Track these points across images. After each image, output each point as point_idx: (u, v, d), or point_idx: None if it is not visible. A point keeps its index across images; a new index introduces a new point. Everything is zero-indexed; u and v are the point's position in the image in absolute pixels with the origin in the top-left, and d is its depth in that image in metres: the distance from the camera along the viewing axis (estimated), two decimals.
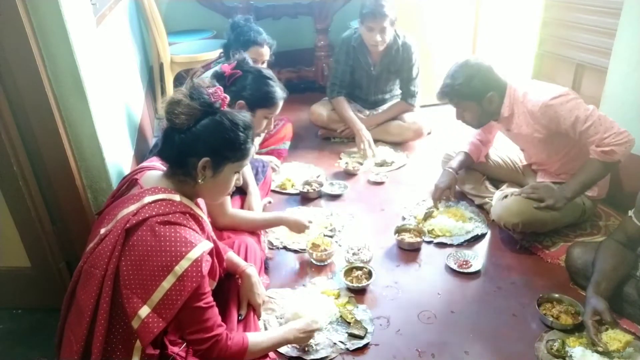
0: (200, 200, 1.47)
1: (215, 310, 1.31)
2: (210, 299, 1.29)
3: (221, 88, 1.32)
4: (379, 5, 2.74)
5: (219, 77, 1.93)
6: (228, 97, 1.33)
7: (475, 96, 2.04)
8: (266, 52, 2.49)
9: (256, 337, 1.42)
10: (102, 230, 1.26)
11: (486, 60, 2.10)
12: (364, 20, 2.80)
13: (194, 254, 1.20)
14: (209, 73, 2.54)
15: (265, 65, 2.55)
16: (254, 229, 2.00)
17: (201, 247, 1.22)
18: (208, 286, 1.29)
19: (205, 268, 1.22)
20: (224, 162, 1.32)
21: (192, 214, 1.31)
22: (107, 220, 1.29)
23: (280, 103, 2.00)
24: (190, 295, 1.20)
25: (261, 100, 1.93)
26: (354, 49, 2.99)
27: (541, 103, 1.92)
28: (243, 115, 1.35)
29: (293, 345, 1.61)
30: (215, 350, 1.29)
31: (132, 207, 1.25)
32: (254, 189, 2.20)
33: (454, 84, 2.05)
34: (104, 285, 1.19)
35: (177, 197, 1.29)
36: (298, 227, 2.06)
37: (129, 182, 1.40)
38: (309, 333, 1.57)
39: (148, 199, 1.26)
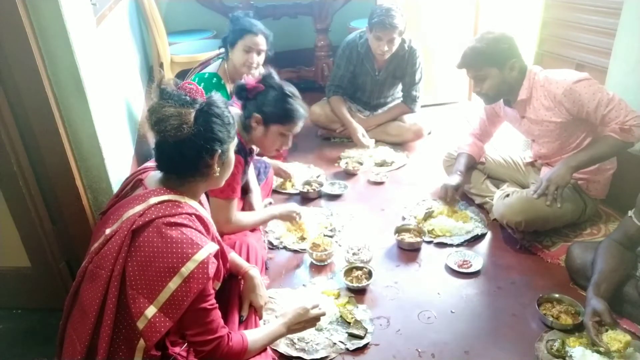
0: (204, 201, 1.48)
1: (219, 312, 1.32)
2: (214, 300, 1.29)
3: (190, 81, 1.31)
4: (390, 16, 2.71)
5: (240, 89, 1.91)
6: (200, 87, 1.31)
7: (499, 61, 2.00)
8: (261, 41, 2.48)
9: (254, 335, 1.43)
10: (108, 231, 1.26)
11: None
12: (373, 28, 2.78)
13: (200, 256, 1.21)
14: (210, 68, 2.55)
15: (262, 56, 2.54)
16: (250, 228, 2.02)
17: (207, 249, 1.23)
18: (212, 288, 1.29)
19: (211, 270, 1.23)
20: (228, 145, 1.34)
21: (198, 215, 1.31)
22: (111, 220, 1.29)
23: (300, 123, 1.93)
24: (196, 297, 1.20)
25: (278, 117, 1.88)
26: (358, 54, 2.98)
27: (566, 86, 1.91)
28: (218, 96, 1.34)
29: (292, 343, 1.61)
30: (217, 351, 1.29)
31: (138, 208, 1.25)
32: (255, 187, 2.20)
33: (478, 46, 2.01)
34: (110, 286, 1.20)
35: (182, 198, 1.30)
36: (290, 217, 2.12)
37: (134, 183, 1.40)
38: (306, 323, 1.56)
39: (154, 200, 1.26)
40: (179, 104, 1.23)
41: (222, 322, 1.32)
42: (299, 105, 1.91)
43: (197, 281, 1.20)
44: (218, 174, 1.34)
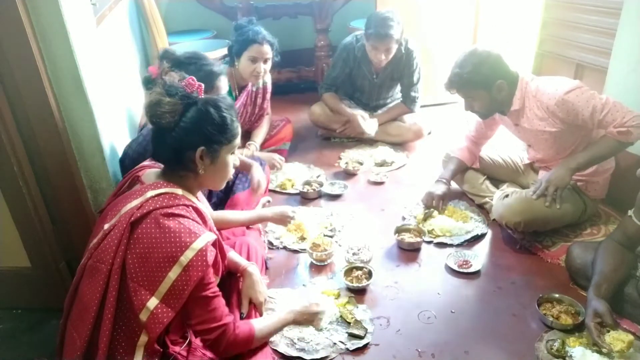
0: (201, 197, 1.48)
1: (222, 300, 1.33)
2: (216, 288, 1.31)
3: (193, 78, 1.33)
4: (386, 26, 2.69)
5: (148, 81, 1.92)
6: (203, 85, 1.34)
7: (485, 84, 2.01)
8: (267, 50, 2.48)
9: (261, 324, 1.46)
10: (106, 226, 1.28)
11: (494, 48, 2.07)
12: (369, 39, 2.78)
13: (198, 244, 1.22)
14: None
15: (269, 64, 2.55)
16: (238, 227, 2.00)
17: (205, 237, 1.25)
18: (213, 276, 1.30)
19: (210, 257, 1.24)
20: (219, 146, 1.34)
21: (195, 207, 1.33)
22: (110, 216, 1.31)
23: (222, 78, 1.97)
24: (196, 285, 1.22)
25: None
26: (355, 58, 2.97)
27: (558, 97, 1.91)
28: (222, 97, 1.37)
29: (292, 343, 1.61)
30: (223, 340, 1.31)
31: (136, 202, 1.27)
32: (253, 162, 2.22)
33: (462, 73, 2.01)
34: (110, 280, 1.21)
35: (179, 191, 1.32)
36: (282, 220, 2.06)
37: (131, 180, 1.42)
38: (311, 316, 1.62)
39: (151, 193, 1.28)
40: (172, 95, 1.27)
41: (226, 310, 1.34)
42: (213, 65, 1.94)
43: (196, 269, 1.21)
44: (204, 172, 1.34)
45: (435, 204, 2.30)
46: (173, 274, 1.20)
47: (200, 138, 1.30)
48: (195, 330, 1.31)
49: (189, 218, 1.28)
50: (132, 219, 1.23)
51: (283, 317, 1.55)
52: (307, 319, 1.62)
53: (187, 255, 1.21)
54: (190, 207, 1.31)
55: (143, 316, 1.19)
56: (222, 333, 1.30)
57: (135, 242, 1.22)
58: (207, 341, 1.31)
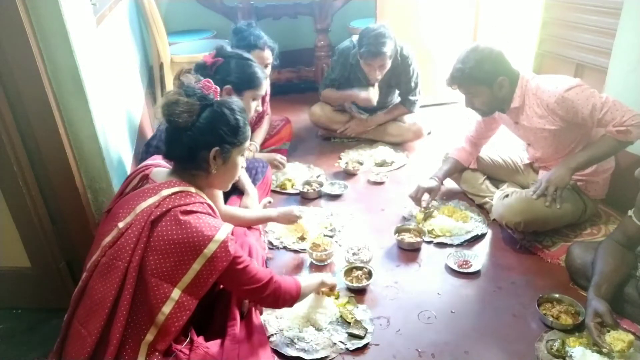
0: (217, 192, 1.53)
1: (256, 264, 1.41)
2: (244, 257, 1.36)
3: (209, 80, 1.40)
4: (379, 44, 2.67)
5: (202, 67, 1.99)
6: (219, 88, 1.41)
7: (486, 80, 2.01)
8: (268, 55, 2.49)
9: (303, 282, 1.56)
10: (121, 225, 1.30)
11: (496, 45, 2.08)
12: (362, 57, 2.75)
13: (220, 236, 1.27)
14: None
15: (269, 69, 2.55)
16: (244, 226, 2.00)
17: (225, 229, 1.30)
18: (239, 250, 1.35)
19: (232, 247, 1.29)
20: (231, 147, 1.40)
21: (208, 204, 1.38)
22: (122, 214, 1.33)
23: (264, 83, 2.07)
24: (230, 264, 1.29)
25: (247, 82, 2.00)
26: (351, 65, 2.97)
27: (557, 95, 1.91)
28: (236, 100, 1.44)
29: (292, 342, 1.61)
30: (276, 290, 1.42)
31: (151, 200, 1.30)
32: (251, 190, 2.21)
33: (464, 68, 2.01)
34: (127, 277, 1.23)
35: (192, 189, 1.36)
36: (288, 219, 2.09)
37: (140, 178, 1.44)
38: (332, 279, 1.78)
39: (166, 191, 1.31)
40: (190, 95, 1.33)
41: (262, 268, 1.43)
42: (259, 68, 2.05)
43: (220, 260, 1.27)
44: (216, 171, 1.40)
45: (418, 195, 2.29)
46: (197, 264, 1.25)
47: (215, 138, 1.36)
48: (247, 295, 1.39)
49: (206, 213, 1.32)
50: (152, 217, 1.26)
51: (314, 279, 1.68)
52: (331, 283, 1.76)
53: (211, 248, 1.26)
54: (205, 204, 1.36)
55: (167, 308, 1.24)
56: (273, 287, 1.40)
57: (155, 239, 1.25)
58: (263, 300, 1.43)
